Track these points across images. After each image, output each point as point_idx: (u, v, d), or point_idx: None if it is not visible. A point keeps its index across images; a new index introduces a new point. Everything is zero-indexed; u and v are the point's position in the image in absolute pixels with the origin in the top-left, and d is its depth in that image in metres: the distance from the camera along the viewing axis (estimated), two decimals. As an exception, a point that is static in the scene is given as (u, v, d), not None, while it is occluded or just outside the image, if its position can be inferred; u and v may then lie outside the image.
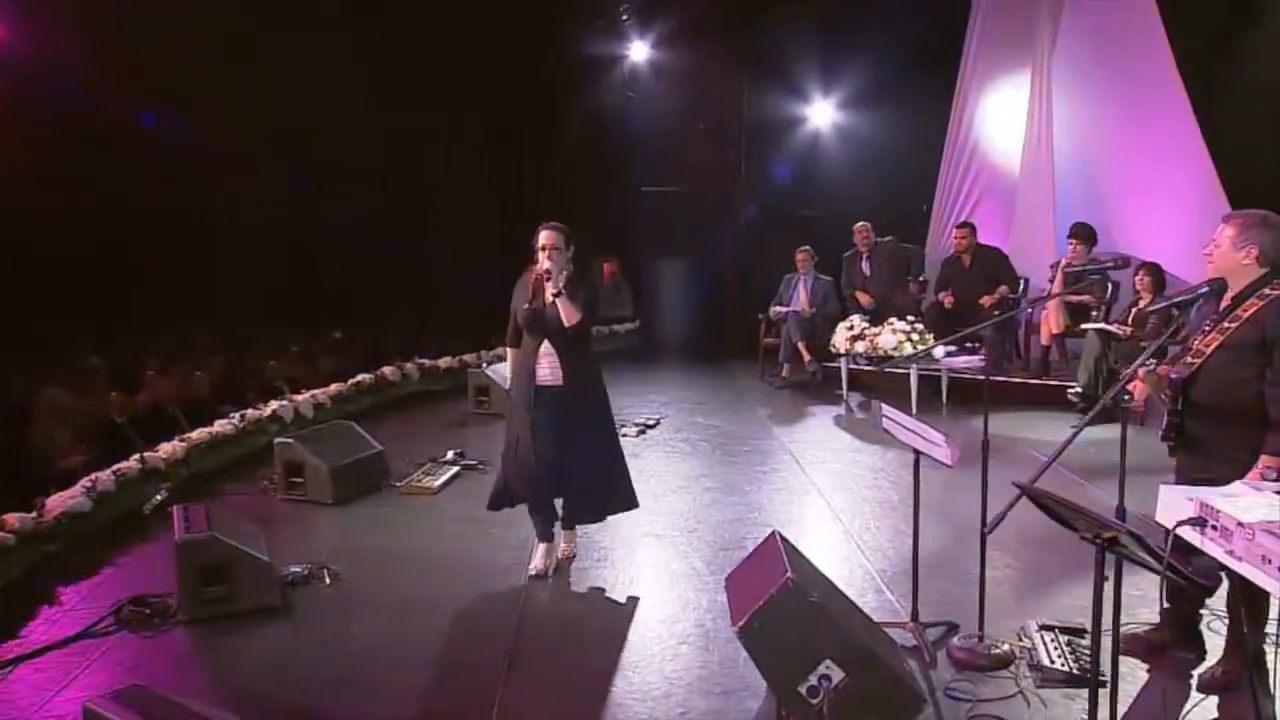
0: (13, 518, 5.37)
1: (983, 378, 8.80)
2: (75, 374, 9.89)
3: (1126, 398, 3.63)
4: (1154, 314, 7.57)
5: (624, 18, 13.03)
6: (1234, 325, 3.59)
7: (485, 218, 12.68)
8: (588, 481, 5.04)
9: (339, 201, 12.56)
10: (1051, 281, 9.21)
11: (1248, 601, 3.35)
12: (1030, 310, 9.49)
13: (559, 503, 5.14)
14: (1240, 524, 2.18)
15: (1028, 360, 9.66)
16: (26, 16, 11.03)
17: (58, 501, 5.73)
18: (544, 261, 4.81)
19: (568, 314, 4.77)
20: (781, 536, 3.87)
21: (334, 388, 9.01)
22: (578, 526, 5.28)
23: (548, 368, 4.93)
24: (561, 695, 3.91)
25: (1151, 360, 3.72)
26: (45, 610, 4.82)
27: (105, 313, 11.72)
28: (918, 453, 4.14)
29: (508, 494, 5.14)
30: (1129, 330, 7.75)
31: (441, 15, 11.99)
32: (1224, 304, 3.69)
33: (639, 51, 13.33)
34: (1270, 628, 3.52)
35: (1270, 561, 2.07)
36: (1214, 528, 2.27)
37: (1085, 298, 8.82)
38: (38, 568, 5.34)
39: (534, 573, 4.98)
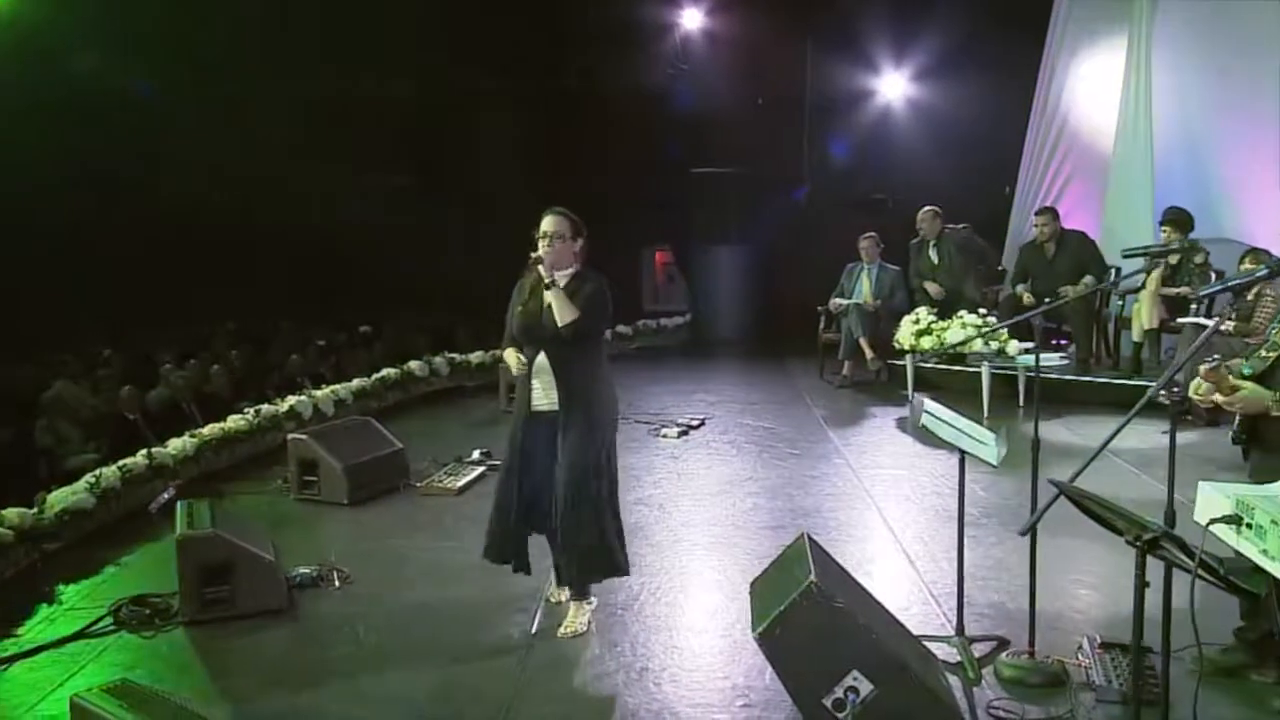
0: (13, 513, 5.66)
1: (1068, 377, 9.08)
2: (88, 367, 10.33)
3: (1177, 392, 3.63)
4: (1207, 297, 7.51)
5: None
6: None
7: (523, 204, 12.88)
8: (577, 526, 4.49)
9: (370, 191, 12.89)
10: (1147, 272, 9.09)
11: None
12: (1121, 304, 9.38)
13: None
14: (1275, 521, 2.22)
15: (1118, 359, 9.54)
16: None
17: (59, 497, 6.01)
18: (542, 250, 4.47)
19: (560, 311, 4.40)
20: (810, 539, 3.94)
21: (356, 383, 9.27)
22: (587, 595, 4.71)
23: (540, 387, 4.54)
24: (573, 708, 4.02)
25: (1216, 356, 3.72)
26: (44, 608, 5.09)
27: (120, 304, 12.18)
28: (963, 453, 4.18)
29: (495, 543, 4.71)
30: (1233, 325, 7.61)
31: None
32: None
33: (691, 19, 13.43)
34: None
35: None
36: (1249, 525, 2.31)
37: (1184, 289, 8.69)
38: (37, 565, 5.63)
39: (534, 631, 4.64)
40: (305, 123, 12.82)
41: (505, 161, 13.09)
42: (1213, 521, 2.38)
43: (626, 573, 4.74)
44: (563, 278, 4.51)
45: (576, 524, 4.46)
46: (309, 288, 13.51)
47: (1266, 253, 8.11)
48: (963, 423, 4.24)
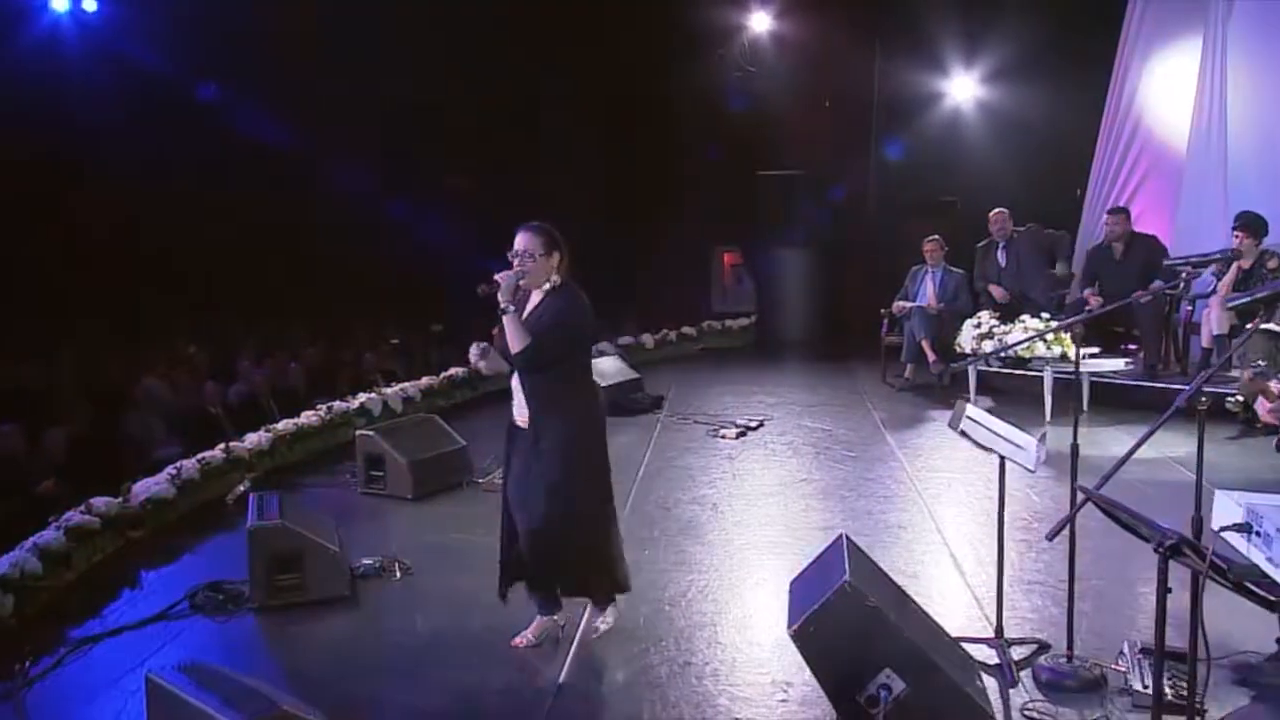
0: (99, 502, 5.99)
1: (1131, 382, 8.99)
2: (173, 362, 10.75)
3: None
4: (1234, 308, 7.44)
5: None
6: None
7: (592, 205, 13.10)
8: (528, 545, 4.43)
9: (441, 193, 13.20)
10: (1218, 276, 8.97)
11: None
12: (1191, 309, 9.26)
13: None
14: (1278, 529, 2.29)
15: (1186, 365, 9.41)
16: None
17: (143, 487, 6.34)
18: (514, 269, 4.34)
19: (511, 338, 4.29)
20: (849, 539, 4.05)
21: (424, 381, 9.52)
22: (540, 613, 4.60)
23: (517, 403, 4.46)
24: (616, 698, 4.18)
25: (1261, 362, 3.75)
26: (126, 592, 5.41)
27: (204, 302, 12.66)
28: (1002, 458, 4.25)
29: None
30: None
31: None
32: None
33: (759, 22, 13.49)
34: None
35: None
36: (1258, 534, 2.38)
37: (1263, 294, 8.55)
38: (122, 552, 5.95)
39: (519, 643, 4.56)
40: (381, 124, 13.22)
41: (572, 165, 13.31)
42: (1224, 529, 2.45)
43: (590, 595, 4.63)
44: (537, 295, 4.42)
45: (539, 540, 4.38)
46: (384, 287, 13.90)
47: (1257, 218, 8.27)
48: (1001, 427, 4.31)
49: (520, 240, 4.37)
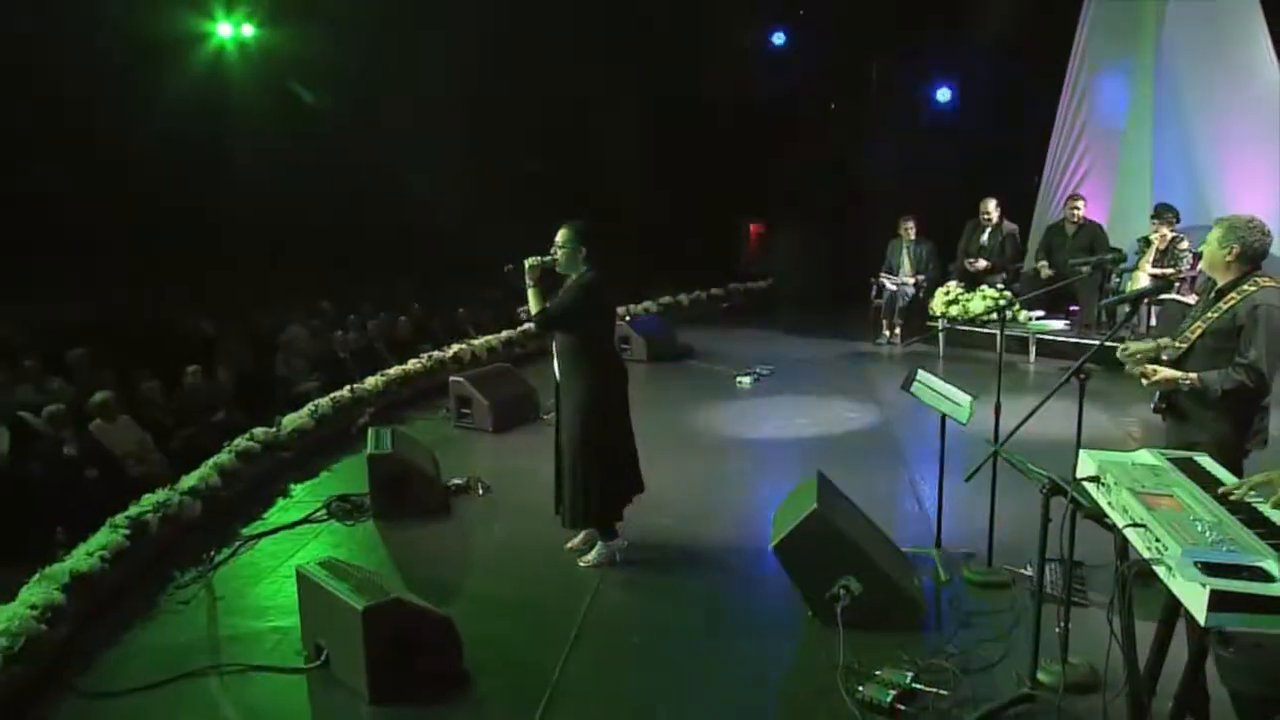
0: (260, 431, 6.36)
1: (1071, 340, 9.04)
2: (311, 315, 11.09)
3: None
4: (1105, 307, 7.90)
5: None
6: (1216, 315, 3.74)
7: (639, 186, 13.19)
8: (561, 481, 4.63)
9: (516, 170, 13.32)
10: (1139, 254, 8.98)
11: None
12: (1119, 280, 9.25)
13: None
14: (1117, 482, 2.51)
15: (1113, 325, 9.39)
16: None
17: (291, 420, 6.70)
18: (554, 255, 4.50)
19: (530, 304, 4.49)
20: (821, 475, 4.29)
21: (505, 334, 9.76)
22: (599, 537, 4.69)
23: (555, 361, 4.64)
24: (642, 588, 4.49)
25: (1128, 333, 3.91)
26: (280, 501, 5.76)
27: (333, 263, 13.02)
28: (943, 415, 4.44)
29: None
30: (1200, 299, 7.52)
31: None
32: (1211, 296, 3.83)
33: (778, 38, 13.43)
34: None
35: (1126, 511, 2.41)
36: (1102, 484, 2.60)
37: (1169, 270, 8.56)
38: (276, 469, 6.29)
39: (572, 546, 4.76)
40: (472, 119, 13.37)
41: (626, 153, 13.36)
42: (1080, 480, 2.67)
43: (598, 527, 4.64)
44: (571, 278, 4.52)
45: (568, 479, 4.55)
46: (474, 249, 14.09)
47: (1169, 209, 8.49)
48: (945, 389, 4.50)
49: (560, 235, 4.52)
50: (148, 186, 12.15)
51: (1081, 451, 2.74)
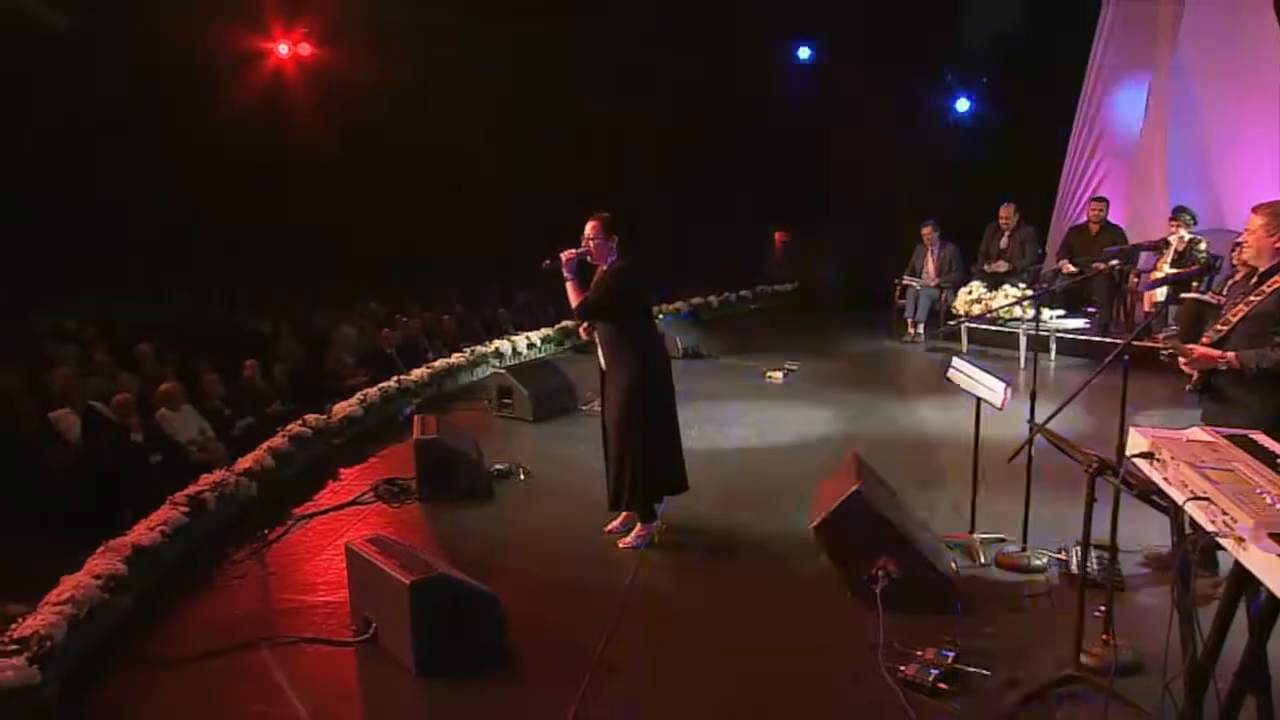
0: (312, 418, 6.30)
1: (1090, 337, 8.75)
2: (360, 315, 11.08)
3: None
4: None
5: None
6: (1258, 298, 3.53)
7: (673, 196, 13.05)
8: (608, 466, 4.52)
9: (550, 178, 13.21)
10: (1158, 256, 8.68)
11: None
12: (1138, 280, 8.95)
13: None
14: (1174, 457, 2.31)
15: (1131, 324, 9.10)
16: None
17: (341, 408, 6.63)
18: (583, 247, 4.42)
19: (571, 296, 4.39)
20: (858, 456, 4.11)
21: (543, 331, 9.67)
22: (640, 519, 4.55)
23: (599, 350, 4.53)
24: (683, 570, 4.33)
25: (1174, 325, 3.70)
26: (330, 484, 5.68)
27: (377, 270, 13.04)
28: (978, 399, 4.24)
29: None
30: (1222, 299, 7.22)
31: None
32: (1253, 281, 3.61)
33: (804, 53, 13.22)
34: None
35: (1186, 485, 2.20)
36: (1158, 459, 2.39)
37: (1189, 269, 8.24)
38: (327, 454, 6.24)
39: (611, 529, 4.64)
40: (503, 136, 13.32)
41: (656, 160, 13.22)
42: (1133, 455, 2.47)
43: (640, 508, 4.48)
44: (602, 268, 4.44)
45: (612, 461, 4.46)
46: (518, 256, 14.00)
47: (1187, 211, 8.20)
48: (979, 375, 4.30)
49: (589, 227, 4.42)
50: (212, 197, 12.21)
51: (1132, 429, 2.52)
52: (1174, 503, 2.32)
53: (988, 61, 11.95)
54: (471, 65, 12.36)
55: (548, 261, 4.43)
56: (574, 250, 4.40)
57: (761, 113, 13.12)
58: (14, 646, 3.14)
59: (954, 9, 11.66)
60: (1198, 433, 2.53)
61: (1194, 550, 2.32)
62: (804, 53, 13.61)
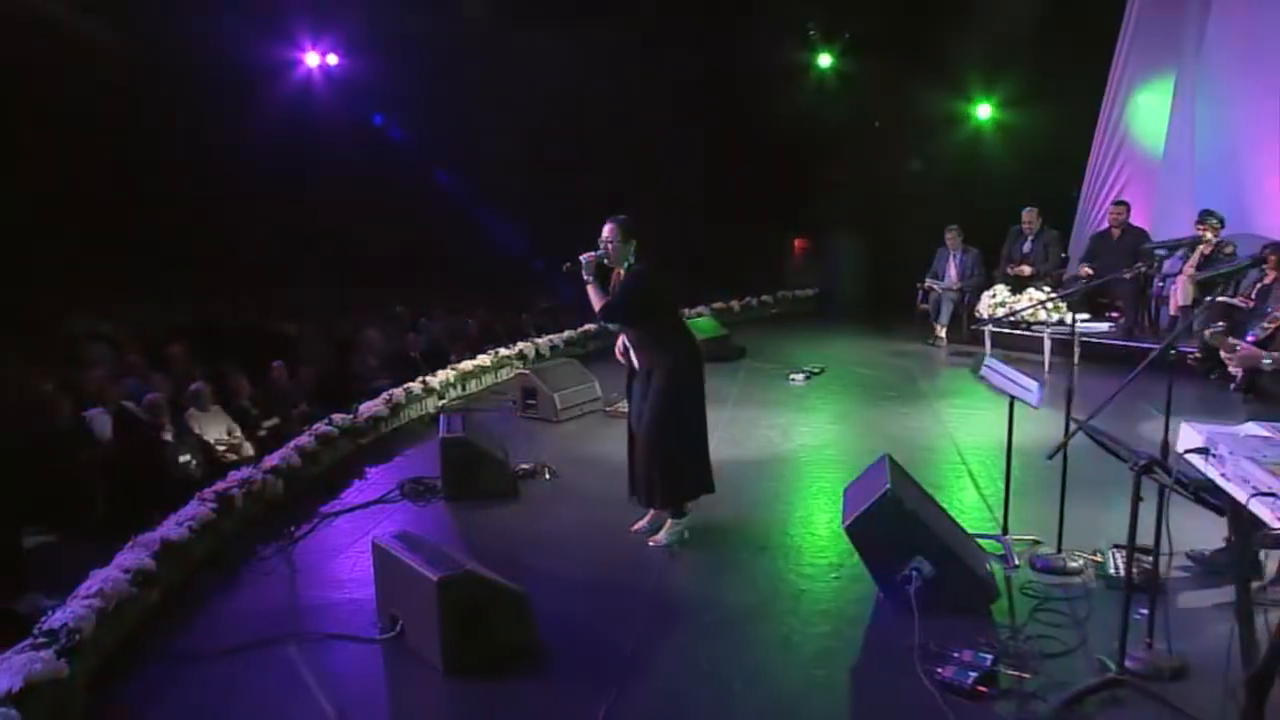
0: (338, 417, 6.23)
1: (1113, 341, 8.56)
2: (384, 320, 11.06)
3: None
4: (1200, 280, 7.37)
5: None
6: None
7: (697, 203, 12.94)
8: (634, 464, 4.44)
9: (572, 188, 13.16)
10: (1184, 259, 8.50)
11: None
12: (1162, 284, 8.76)
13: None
14: (1232, 452, 2.19)
15: (1157, 328, 8.92)
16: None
17: (367, 408, 6.57)
18: (601, 250, 4.32)
19: (593, 301, 4.28)
20: (891, 458, 3.98)
21: (565, 334, 9.60)
22: (670, 516, 4.45)
23: (633, 354, 4.41)
24: (709, 571, 4.21)
25: (1221, 324, 3.58)
26: (356, 482, 5.61)
27: (402, 278, 13.03)
28: (1011, 398, 4.12)
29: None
30: (1251, 303, 7.04)
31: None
32: None
33: (824, 60, 13.11)
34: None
35: (1247, 481, 2.08)
36: (1214, 455, 2.27)
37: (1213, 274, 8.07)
38: (353, 453, 6.17)
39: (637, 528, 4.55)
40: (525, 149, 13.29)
41: (684, 172, 13.12)
42: (1187, 451, 2.34)
43: (672, 505, 4.39)
44: (621, 271, 4.35)
45: (642, 460, 4.35)
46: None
47: (1214, 214, 8.03)
48: (1012, 373, 4.18)
49: (605, 230, 4.33)
50: (241, 203, 12.26)
51: (1184, 424, 2.40)
52: (1232, 500, 2.20)
53: (1006, 65, 11.73)
54: (492, 72, 12.32)
55: (568, 265, 4.36)
56: (592, 254, 4.33)
57: (778, 117, 12.99)
58: (43, 639, 3.07)
59: (973, 12, 11.50)
60: (1254, 427, 2.41)
61: (1260, 548, 2.18)
62: (825, 59, 13.45)
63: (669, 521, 4.44)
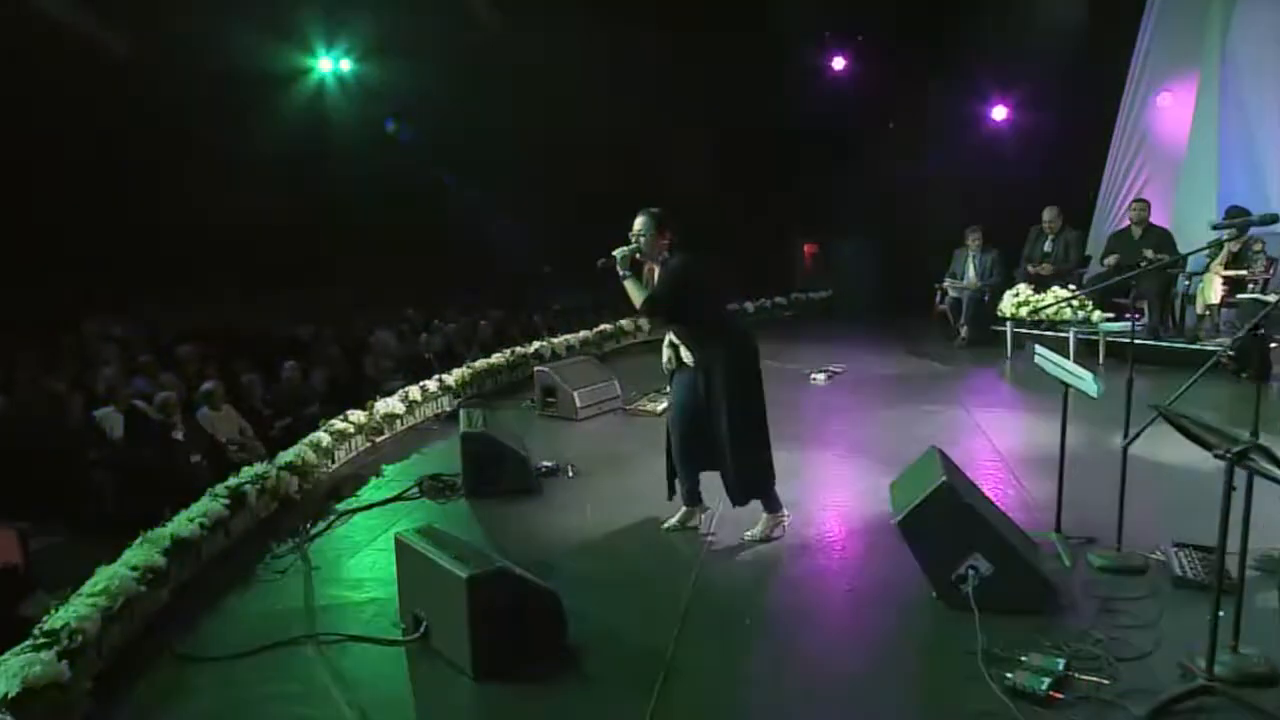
0: (354, 414, 6.00)
1: (1138, 341, 8.24)
2: (398, 321, 10.85)
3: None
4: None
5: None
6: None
7: (713, 207, 12.71)
8: (719, 462, 4.12)
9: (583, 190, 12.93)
10: (1211, 258, 8.22)
11: None
12: (1188, 284, 8.48)
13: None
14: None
15: (1182, 329, 8.63)
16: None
17: (383, 405, 6.33)
18: (633, 245, 4.06)
19: (631, 296, 4.03)
20: (940, 450, 3.72)
21: (581, 334, 9.36)
22: (765, 512, 4.21)
23: (682, 350, 4.15)
24: (748, 567, 3.95)
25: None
26: (373, 479, 5.37)
27: (418, 278, 12.82)
28: (1066, 386, 3.85)
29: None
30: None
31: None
32: None
33: (839, 64, 12.90)
34: None
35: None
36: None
37: (1243, 271, 7.80)
38: (369, 450, 5.95)
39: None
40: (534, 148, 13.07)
41: (700, 177, 12.90)
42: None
43: (766, 495, 4.17)
44: (657, 265, 4.09)
45: (731, 456, 4.04)
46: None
47: (1243, 211, 7.43)
48: (1065, 363, 3.91)
49: (637, 222, 4.06)
50: (256, 206, 12.04)
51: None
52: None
53: (1025, 67, 11.49)
54: (511, 74, 12.11)
55: (603, 260, 4.08)
56: (625, 248, 4.06)
57: (794, 120, 12.76)
58: (43, 640, 2.81)
59: (988, 14, 11.29)
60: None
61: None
62: (839, 63, 13.24)
63: (765, 515, 4.16)
